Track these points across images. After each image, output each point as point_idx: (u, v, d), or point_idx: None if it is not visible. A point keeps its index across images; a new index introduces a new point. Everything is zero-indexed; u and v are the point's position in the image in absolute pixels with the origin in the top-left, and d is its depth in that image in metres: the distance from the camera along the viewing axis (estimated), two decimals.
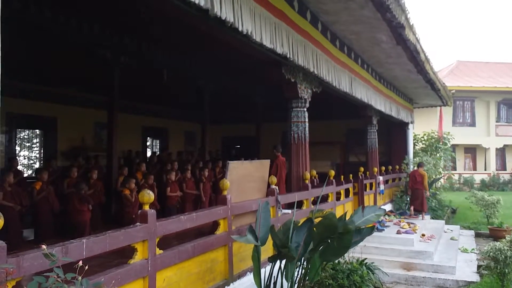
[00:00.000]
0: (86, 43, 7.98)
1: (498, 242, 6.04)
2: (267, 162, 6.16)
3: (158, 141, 17.05)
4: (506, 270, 5.73)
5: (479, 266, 7.14)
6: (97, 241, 3.09)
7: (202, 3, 4.00)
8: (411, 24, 7.80)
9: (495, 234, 10.03)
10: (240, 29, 4.77)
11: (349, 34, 8.15)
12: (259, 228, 4.55)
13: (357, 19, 7.22)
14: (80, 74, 10.37)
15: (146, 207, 3.62)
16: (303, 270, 4.59)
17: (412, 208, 11.34)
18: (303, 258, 4.53)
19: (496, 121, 29.17)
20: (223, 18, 4.38)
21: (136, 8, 6.44)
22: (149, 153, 15.43)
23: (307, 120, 7.50)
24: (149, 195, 3.61)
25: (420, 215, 10.94)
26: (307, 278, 4.55)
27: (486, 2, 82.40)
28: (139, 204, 3.64)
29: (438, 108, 21.10)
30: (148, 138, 16.43)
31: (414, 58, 9.50)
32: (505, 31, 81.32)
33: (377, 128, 12.60)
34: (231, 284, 4.70)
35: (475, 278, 6.60)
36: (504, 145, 28.88)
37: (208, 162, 11.55)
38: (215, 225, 4.73)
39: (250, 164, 5.87)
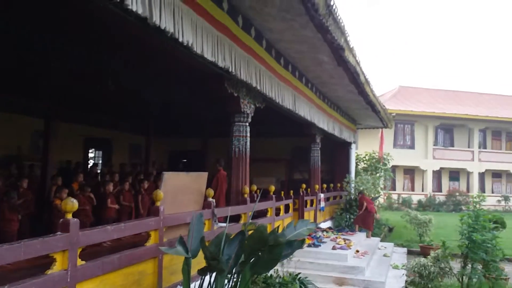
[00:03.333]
0: (15, 44, 7.53)
1: (423, 258, 6.32)
2: (204, 175, 6.14)
3: (101, 153, 16.53)
4: (430, 285, 6.00)
5: (406, 281, 7.43)
6: (10, 249, 2.93)
7: (140, 11, 3.98)
8: (351, 46, 8.15)
9: (425, 252, 10.49)
10: (180, 40, 4.78)
11: (293, 53, 8.38)
12: (191, 240, 4.50)
13: (300, 39, 7.45)
14: (16, 80, 9.89)
15: (69, 216, 3.49)
16: (233, 284, 4.57)
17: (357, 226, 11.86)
18: (233, 271, 4.52)
19: (434, 145, 30.84)
20: (163, 27, 4.37)
21: (74, 14, 6.26)
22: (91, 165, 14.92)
23: (248, 134, 7.57)
24: (72, 203, 3.49)
25: (366, 233, 11.42)
26: None
27: (428, 31, 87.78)
28: None
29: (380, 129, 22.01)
30: (91, 149, 15.89)
31: (355, 79, 9.89)
32: (445, 59, 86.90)
33: (320, 146, 12.91)
34: None
35: None
36: (440, 168, 30.52)
37: (151, 175, 11.32)
38: (146, 236, 4.63)
39: (187, 176, 5.83)
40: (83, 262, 3.59)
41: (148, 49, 7.25)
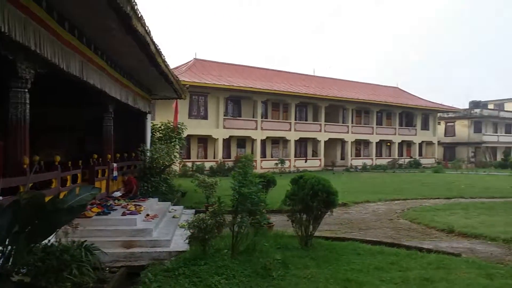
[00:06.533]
0: None
1: (202, 214, 7.14)
2: None
3: None
4: (207, 236, 6.84)
5: (188, 236, 8.22)
6: None
7: None
8: (139, 15, 8.24)
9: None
10: None
11: (78, 17, 8.04)
12: None
13: (83, 2, 7.22)
14: None
15: None
16: (7, 255, 4.41)
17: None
18: (7, 242, 4.35)
19: (224, 115, 33.44)
20: None
21: None
22: None
23: (28, 101, 7.05)
24: None
25: (149, 199, 11.83)
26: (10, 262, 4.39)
27: (224, 10, 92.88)
28: None
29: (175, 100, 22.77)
30: None
31: (146, 49, 10.04)
32: (236, 35, 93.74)
33: (114, 116, 12.73)
34: None
35: (186, 247, 7.59)
36: (230, 136, 33.38)
37: None
38: None
39: None
40: None
41: None
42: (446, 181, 27.42)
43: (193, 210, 12.62)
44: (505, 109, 63.55)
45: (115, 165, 12.33)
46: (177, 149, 18.59)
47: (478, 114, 55.91)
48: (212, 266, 6.39)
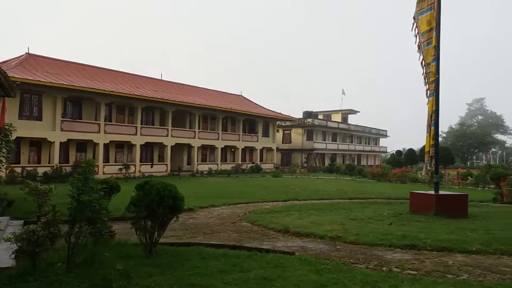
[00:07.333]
0: None
1: (33, 225, 6.43)
2: None
3: None
4: (37, 249, 6.18)
5: (17, 251, 7.32)
6: None
7: None
8: None
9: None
10: None
11: None
12: None
13: None
14: None
15: None
16: None
17: None
18: None
19: (62, 117, 30.83)
20: None
21: None
22: None
23: None
24: None
25: None
26: None
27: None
28: None
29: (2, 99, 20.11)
30: None
31: None
32: (74, 32, 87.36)
33: None
34: None
35: (12, 263, 6.74)
36: (68, 139, 30.88)
37: None
38: None
39: None
40: None
41: None
42: (283, 184, 29.75)
43: (22, 221, 11.28)
44: (332, 120, 72.02)
45: None
46: (3, 153, 16.42)
47: (310, 124, 62.29)
48: (43, 282, 5.79)
